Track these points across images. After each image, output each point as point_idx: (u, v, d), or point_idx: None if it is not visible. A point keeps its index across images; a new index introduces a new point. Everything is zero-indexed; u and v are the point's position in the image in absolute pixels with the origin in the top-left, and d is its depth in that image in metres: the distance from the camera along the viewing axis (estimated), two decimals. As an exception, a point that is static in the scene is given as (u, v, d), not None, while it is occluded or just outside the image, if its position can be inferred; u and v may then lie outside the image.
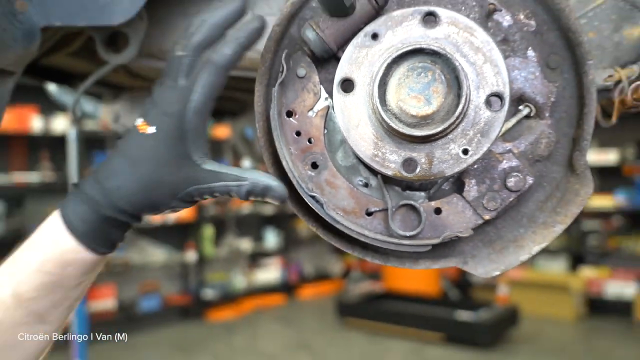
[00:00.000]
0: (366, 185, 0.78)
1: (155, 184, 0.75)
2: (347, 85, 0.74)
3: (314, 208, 0.77)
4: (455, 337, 6.68)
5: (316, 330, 7.65)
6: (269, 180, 0.74)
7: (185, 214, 8.27)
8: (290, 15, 0.81)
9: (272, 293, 9.08)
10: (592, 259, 8.40)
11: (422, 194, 0.78)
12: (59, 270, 0.77)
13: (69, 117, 6.91)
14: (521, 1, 0.77)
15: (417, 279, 8.43)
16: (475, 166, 0.75)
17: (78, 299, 0.82)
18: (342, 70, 0.74)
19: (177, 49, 0.77)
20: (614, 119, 0.87)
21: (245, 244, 9.06)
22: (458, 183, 0.77)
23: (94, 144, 7.45)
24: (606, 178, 8.08)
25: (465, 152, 0.72)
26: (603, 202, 8.05)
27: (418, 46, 0.71)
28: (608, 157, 7.81)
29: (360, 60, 0.74)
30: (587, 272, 8.19)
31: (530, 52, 0.76)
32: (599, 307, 7.97)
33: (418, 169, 0.73)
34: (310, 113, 0.77)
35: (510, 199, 0.76)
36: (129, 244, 8.07)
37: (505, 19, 0.75)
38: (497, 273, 0.79)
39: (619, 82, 0.83)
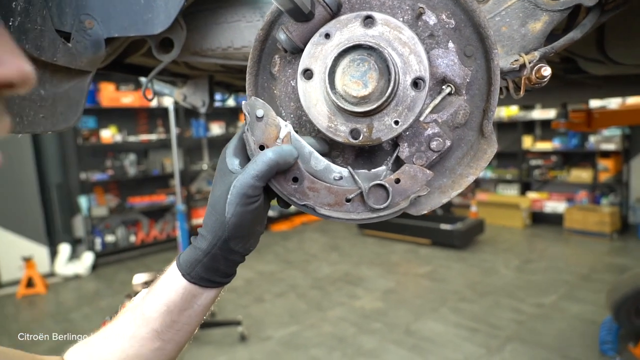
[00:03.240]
0: (341, 178, 0.69)
1: (218, 194, 0.65)
2: (308, 74, 0.66)
3: (309, 213, 0.69)
4: (439, 241, 6.64)
5: (343, 237, 7.69)
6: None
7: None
8: (271, 22, 0.72)
9: (314, 212, 9.16)
10: (536, 186, 8.12)
11: (383, 168, 0.68)
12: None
13: (172, 97, 6.98)
14: (443, 4, 0.66)
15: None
16: (407, 133, 0.66)
17: (187, 324, 0.70)
18: (304, 62, 0.66)
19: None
20: (522, 93, 0.78)
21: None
22: (395, 146, 0.69)
23: (190, 113, 7.64)
24: (547, 128, 7.74)
25: (396, 123, 0.64)
26: (544, 145, 7.73)
27: (357, 43, 0.63)
28: (549, 114, 7.43)
29: (317, 54, 0.66)
30: (532, 195, 7.92)
31: (451, 44, 0.66)
32: (539, 219, 7.77)
33: (361, 136, 0.65)
34: (278, 141, 0.67)
35: (433, 157, 0.67)
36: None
37: (431, 18, 0.65)
38: (425, 212, 0.71)
39: (525, 64, 0.73)
